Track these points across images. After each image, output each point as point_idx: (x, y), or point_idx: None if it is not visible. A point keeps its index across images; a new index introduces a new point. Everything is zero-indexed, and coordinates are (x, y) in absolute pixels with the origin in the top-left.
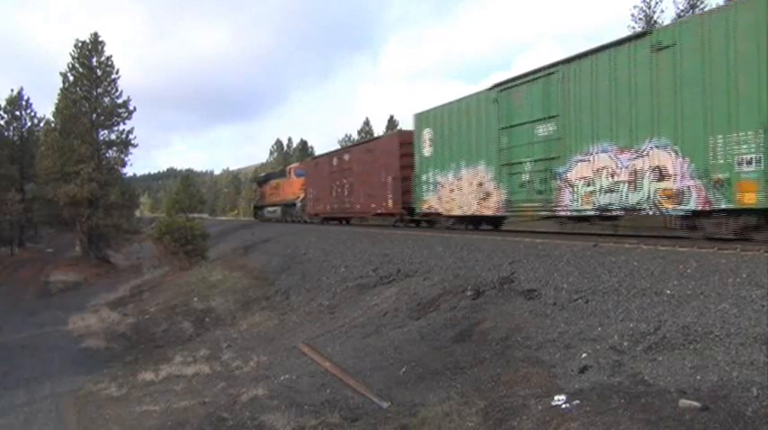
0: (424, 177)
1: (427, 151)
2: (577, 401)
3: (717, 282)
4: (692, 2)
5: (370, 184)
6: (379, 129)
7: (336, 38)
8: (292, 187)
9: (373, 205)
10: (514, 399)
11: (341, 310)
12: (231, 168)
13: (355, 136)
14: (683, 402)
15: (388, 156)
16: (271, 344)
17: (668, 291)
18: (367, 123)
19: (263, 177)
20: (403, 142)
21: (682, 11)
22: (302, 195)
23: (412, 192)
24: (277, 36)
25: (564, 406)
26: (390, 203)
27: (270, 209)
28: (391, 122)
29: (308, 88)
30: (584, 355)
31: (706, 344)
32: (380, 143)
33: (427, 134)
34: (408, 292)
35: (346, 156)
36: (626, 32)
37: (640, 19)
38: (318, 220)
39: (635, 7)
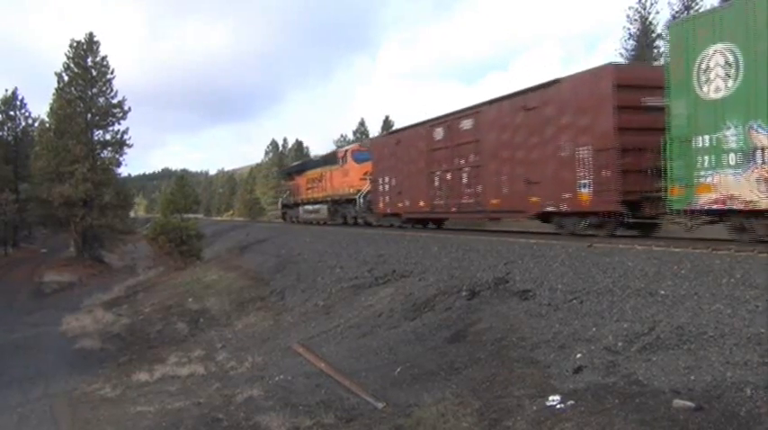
0: (705, 140)
1: (719, 87)
2: (572, 401)
3: (711, 282)
4: (687, 3)
5: (530, 164)
6: (374, 130)
7: (335, 38)
8: (348, 177)
9: (537, 198)
10: (509, 400)
11: (336, 311)
12: (226, 168)
13: (350, 137)
14: (677, 402)
15: (583, 112)
16: (266, 345)
17: (663, 292)
18: (362, 124)
19: (296, 167)
20: (622, 83)
21: (677, 12)
22: (366, 187)
23: (655, 169)
24: (275, 35)
25: (558, 406)
26: (586, 194)
27: (308, 207)
28: (386, 123)
29: (305, 88)
30: (578, 356)
31: (700, 345)
32: (562, 90)
33: (719, 54)
34: (404, 293)
35: (466, 123)
36: (622, 33)
37: (635, 20)
38: (397, 223)
39: (630, 8)
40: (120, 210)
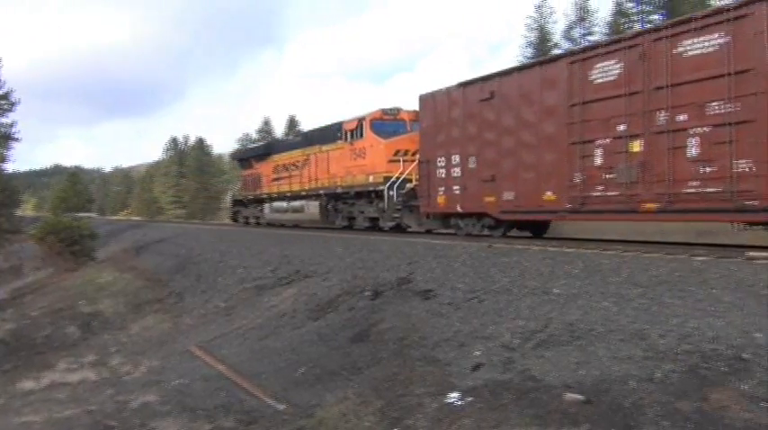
0: None
1: None
2: (470, 398)
3: (600, 281)
4: (580, 15)
5: None
6: (279, 129)
7: (240, 34)
8: (365, 158)
9: None
10: (410, 398)
11: (238, 312)
12: (123, 166)
13: (254, 135)
14: (568, 396)
15: None
16: (163, 348)
17: (556, 291)
18: (267, 123)
19: (256, 150)
20: None
21: (572, 22)
22: (406, 172)
23: None
24: (176, 29)
25: (458, 403)
26: None
27: (280, 204)
28: (292, 122)
29: (208, 85)
30: (477, 353)
31: (589, 341)
32: None
33: None
34: (307, 293)
35: (698, 44)
36: (521, 40)
37: (534, 29)
38: (473, 228)
39: (528, 17)
40: (4, 208)
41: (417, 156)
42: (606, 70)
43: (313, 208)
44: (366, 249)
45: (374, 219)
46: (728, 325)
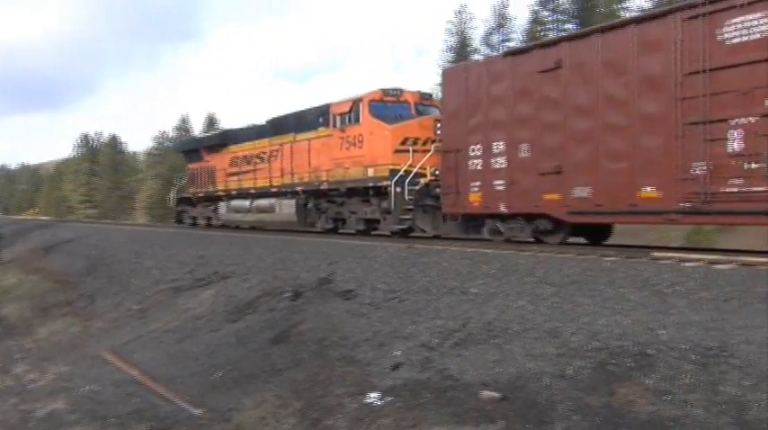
0: None
1: None
2: (390, 398)
3: (516, 281)
4: (499, 21)
5: None
6: (197, 127)
7: (158, 28)
8: (362, 148)
9: None
10: (330, 399)
11: (152, 315)
12: (30, 163)
13: (171, 134)
14: (485, 394)
15: None
16: (72, 354)
17: (474, 290)
18: (185, 121)
19: (210, 139)
20: None
21: (491, 28)
22: (418, 165)
23: None
24: (91, 20)
25: (377, 403)
26: None
27: (241, 203)
28: (211, 122)
29: (125, 80)
30: (397, 353)
31: (506, 339)
32: None
33: None
34: (225, 295)
35: None
36: (444, 44)
37: (454, 33)
38: (523, 232)
39: (448, 22)
40: None
41: (430, 145)
42: (747, 26)
43: (287, 207)
44: (287, 250)
45: (370, 221)
46: (635, 322)
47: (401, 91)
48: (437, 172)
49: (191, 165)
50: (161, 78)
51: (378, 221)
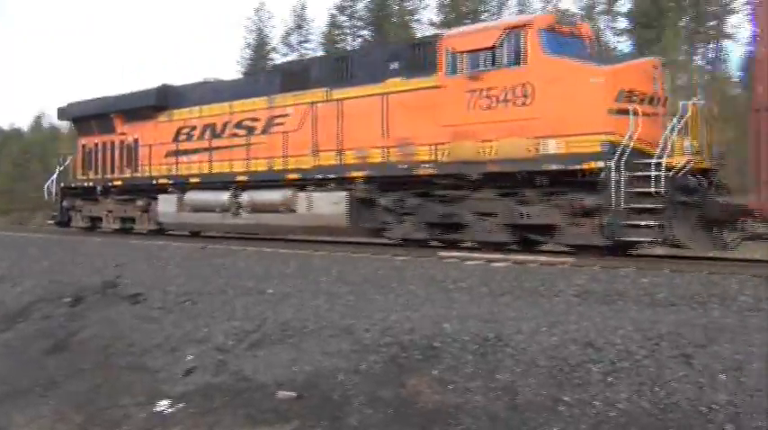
0: None
1: None
2: (182, 404)
3: (312, 280)
4: (298, 22)
5: None
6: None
7: None
8: (554, 102)
9: None
10: (116, 410)
11: None
12: None
13: None
14: (281, 394)
15: None
16: None
17: (270, 290)
18: None
19: (135, 99)
20: None
21: (290, 28)
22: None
23: None
24: None
25: (168, 411)
26: None
27: (209, 196)
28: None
29: None
30: (190, 358)
31: (302, 338)
32: None
33: None
34: None
35: None
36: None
37: (253, 30)
38: None
39: (247, 19)
40: None
41: (658, 106)
42: None
43: (325, 204)
44: (67, 251)
45: (524, 229)
46: (423, 317)
47: (576, 18)
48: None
49: (86, 140)
50: None
51: (549, 229)
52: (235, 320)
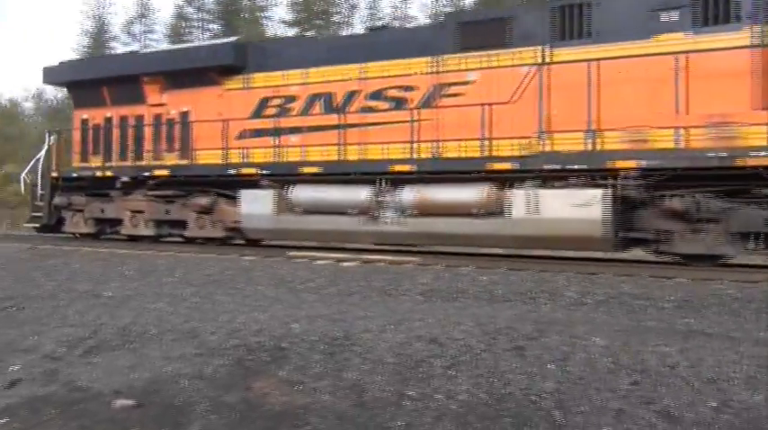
0: None
1: None
2: (5, 419)
3: (155, 282)
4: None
5: None
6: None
7: None
8: None
9: None
10: None
11: None
12: None
13: None
14: (118, 402)
15: None
16: None
17: (109, 293)
18: None
19: (195, 55)
20: None
21: (133, 17)
22: None
23: None
24: None
25: None
26: None
27: (344, 194)
28: None
29: None
30: (14, 368)
31: (142, 344)
32: None
33: None
34: None
35: None
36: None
37: (90, 17)
38: None
39: (85, 4)
40: None
41: None
42: None
43: (568, 206)
44: None
45: None
46: (271, 318)
47: None
48: None
49: (89, 114)
50: None
51: None
52: (67, 326)
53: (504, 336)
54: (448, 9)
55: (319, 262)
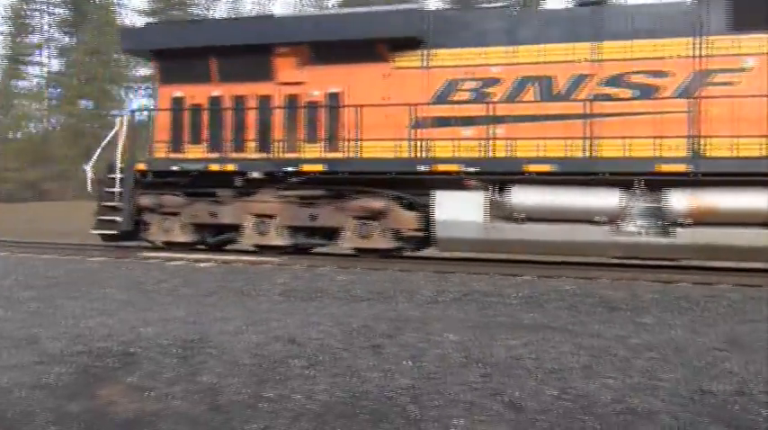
0: None
1: None
2: None
3: None
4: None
5: None
6: None
7: None
8: None
9: None
10: None
11: None
12: None
13: None
14: None
15: None
16: None
17: None
18: None
19: (352, 23)
20: None
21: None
22: None
23: None
24: None
25: None
26: None
27: (560, 202)
28: None
29: None
30: None
31: None
32: None
33: None
34: None
35: None
36: None
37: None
38: None
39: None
40: None
41: None
42: None
43: None
44: None
45: None
46: (120, 322)
47: None
48: None
49: (186, 91)
50: None
51: None
52: None
53: (362, 335)
54: None
55: (173, 262)
